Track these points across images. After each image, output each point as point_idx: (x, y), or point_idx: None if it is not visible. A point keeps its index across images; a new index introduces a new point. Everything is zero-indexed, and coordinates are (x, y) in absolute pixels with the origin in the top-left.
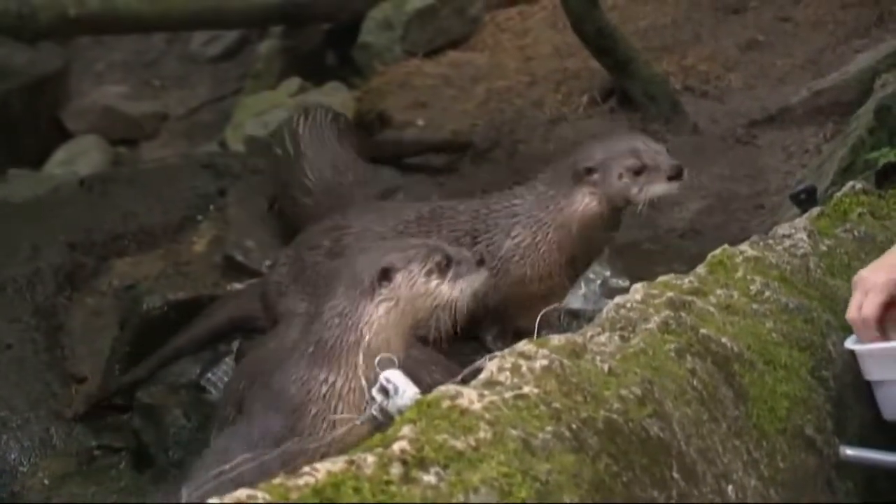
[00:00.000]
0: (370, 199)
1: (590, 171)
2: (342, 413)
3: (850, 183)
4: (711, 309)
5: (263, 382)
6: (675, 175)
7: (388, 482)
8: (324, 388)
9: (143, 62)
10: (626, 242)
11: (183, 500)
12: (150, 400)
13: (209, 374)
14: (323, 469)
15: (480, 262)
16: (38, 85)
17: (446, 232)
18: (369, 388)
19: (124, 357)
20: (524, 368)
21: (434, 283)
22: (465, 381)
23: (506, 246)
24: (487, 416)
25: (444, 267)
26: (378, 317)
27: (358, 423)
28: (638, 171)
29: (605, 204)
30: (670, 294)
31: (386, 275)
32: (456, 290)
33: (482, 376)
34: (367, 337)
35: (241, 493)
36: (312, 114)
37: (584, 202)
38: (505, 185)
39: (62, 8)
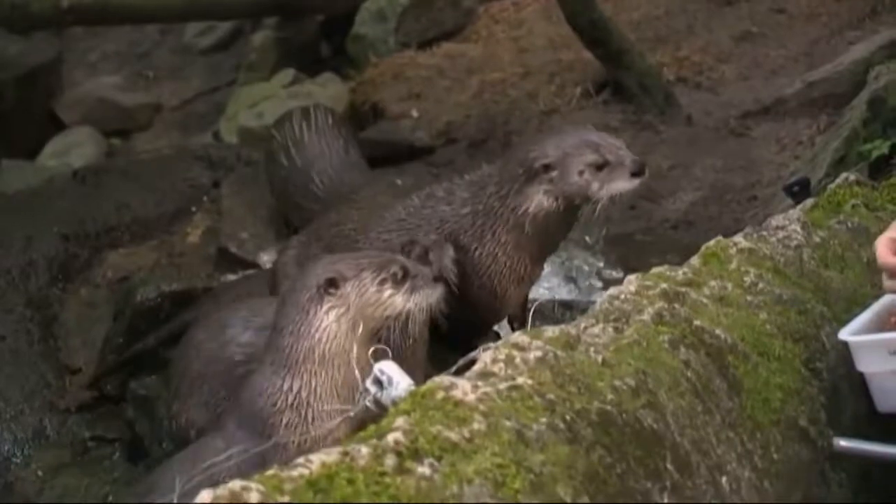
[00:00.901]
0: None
1: (547, 167)
2: (313, 421)
3: (844, 174)
4: (705, 300)
5: (235, 397)
6: (638, 171)
7: (382, 473)
8: (290, 398)
9: (136, 53)
10: (620, 234)
11: (175, 492)
12: (144, 391)
13: None
14: (317, 460)
15: (438, 279)
16: (32, 76)
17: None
18: (363, 381)
19: (118, 348)
20: (518, 360)
21: (387, 293)
22: (459, 373)
23: (466, 259)
24: (481, 407)
25: (401, 279)
26: (329, 323)
27: (351, 414)
28: (599, 167)
29: (561, 202)
30: (664, 285)
31: (332, 283)
32: (410, 302)
33: (476, 367)
34: (321, 344)
35: (235, 484)
36: (314, 116)
37: (538, 200)
38: None
39: None
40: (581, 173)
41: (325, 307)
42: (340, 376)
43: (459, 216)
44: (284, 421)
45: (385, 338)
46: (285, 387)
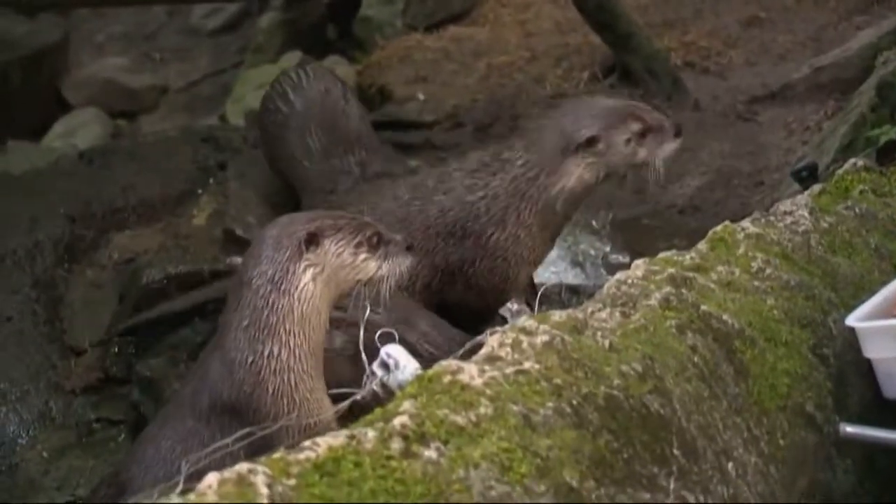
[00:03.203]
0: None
1: (592, 140)
2: (298, 385)
3: (852, 160)
4: (712, 285)
5: (201, 369)
6: (678, 131)
7: (388, 457)
8: (273, 364)
9: (143, 34)
10: (627, 218)
11: (182, 475)
12: (149, 373)
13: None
14: (324, 443)
15: (409, 248)
16: (38, 57)
17: (434, 227)
18: (369, 363)
19: (124, 330)
20: (525, 344)
21: (362, 256)
22: (466, 357)
23: (480, 252)
24: (488, 391)
25: (375, 243)
26: (306, 282)
27: (359, 397)
28: (643, 134)
29: (602, 174)
30: (671, 270)
31: (313, 239)
32: (383, 269)
33: (483, 351)
34: (299, 303)
35: (242, 466)
36: (312, 68)
37: (578, 174)
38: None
39: None
40: (628, 142)
41: (303, 265)
42: (316, 337)
43: (465, 203)
44: (271, 389)
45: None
46: (266, 352)
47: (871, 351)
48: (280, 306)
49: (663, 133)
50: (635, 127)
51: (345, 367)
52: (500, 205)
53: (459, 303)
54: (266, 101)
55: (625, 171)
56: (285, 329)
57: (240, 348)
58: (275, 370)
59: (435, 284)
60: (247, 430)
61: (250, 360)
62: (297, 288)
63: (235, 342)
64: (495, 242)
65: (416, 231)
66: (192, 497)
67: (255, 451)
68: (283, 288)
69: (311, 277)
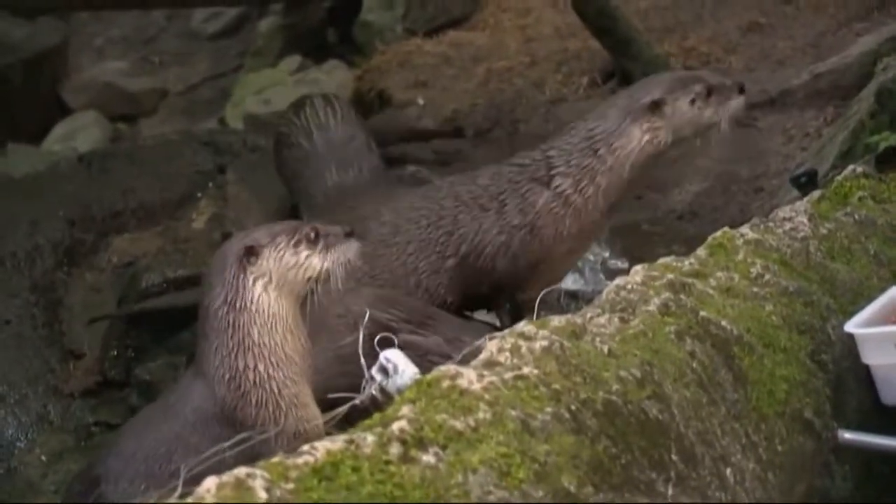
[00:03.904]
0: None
1: (657, 103)
2: (282, 391)
3: (851, 166)
4: (711, 291)
5: (185, 391)
6: (742, 88)
7: (387, 462)
8: (251, 376)
9: (142, 38)
10: (626, 223)
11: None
12: (147, 376)
13: None
14: (322, 448)
15: (349, 234)
16: (38, 60)
17: (467, 198)
18: (368, 368)
19: (122, 334)
20: (524, 349)
21: (304, 254)
22: (464, 361)
23: (542, 199)
24: (487, 396)
25: (314, 239)
26: (259, 294)
27: (357, 402)
28: (708, 94)
29: (669, 137)
30: (670, 276)
31: (251, 251)
32: (328, 261)
33: (482, 357)
34: (259, 316)
35: (241, 470)
36: (338, 105)
37: (646, 139)
38: None
39: None
40: (693, 102)
41: (250, 279)
42: (288, 342)
43: (524, 163)
44: (254, 401)
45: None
46: (242, 366)
47: (870, 357)
48: (241, 323)
49: (728, 90)
50: (698, 88)
51: None
52: (572, 161)
53: (496, 282)
54: (288, 132)
55: (693, 134)
56: (253, 342)
57: (217, 369)
58: (255, 382)
59: (486, 257)
60: (241, 435)
61: (228, 377)
62: (251, 301)
63: (211, 365)
64: (558, 195)
65: (463, 199)
66: (190, 500)
67: (244, 461)
68: (238, 305)
69: (262, 288)
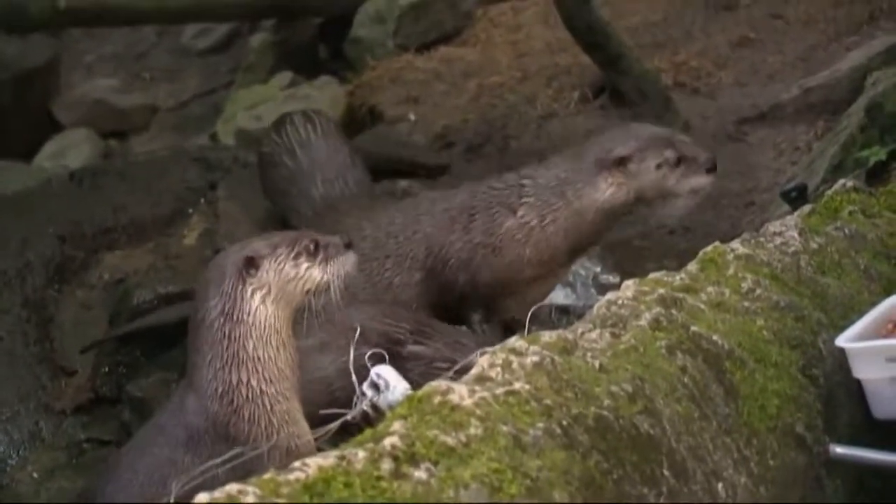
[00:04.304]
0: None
1: (624, 160)
2: (273, 407)
3: (841, 181)
4: (702, 306)
5: (177, 406)
6: (712, 167)
7: (378, 478)
8: (244, 391)
9: (133, 55)
10: (617, 238)
11: (172, 496)
12: (139, 393)
13: None
14: (313, 464)
15: (348, 245)
16: (29, 77)
17: (440, 213)
18: (360, 384)
19: (114, 350)
20: (515, 365)
21: (304, 266)
22: (456, 377)
23: (507, 224)
24: (478, 412)
25: (313, 250)
26: (257, 306)
27: (349, 418)
28: (676, 163)
29: (631, 195)
30: (661, 291)
31: (252, 263)
32: (327, 273)
33: (473, 372)
34: (255, 328)
35: (232, 487)
36: (318, 121)
37: (610, 191)
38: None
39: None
40: (658, 167)
41: (249, 290)
42: (280, 356)
43: (494, 190)
44: (246, 416)
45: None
46: (235, 381)
47: (861, 371)
48: (237, 335)
49: (698, 166)
50: (669, 154)
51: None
52: (542, 197)
53: (460, 295)
54: (271, 152)
55: (653, 196)
56: (248, 355)
57: (210, 382)
58: (247, 397)
59: (439, 267)
60: (234, 451)
61: (221, 391)
62: (248, 314)
63: (204, 378)
64: (521, 225)
65: (436, 213)
66: None
67: (236, 478)
68: (235, 317)
69: (260, 300)
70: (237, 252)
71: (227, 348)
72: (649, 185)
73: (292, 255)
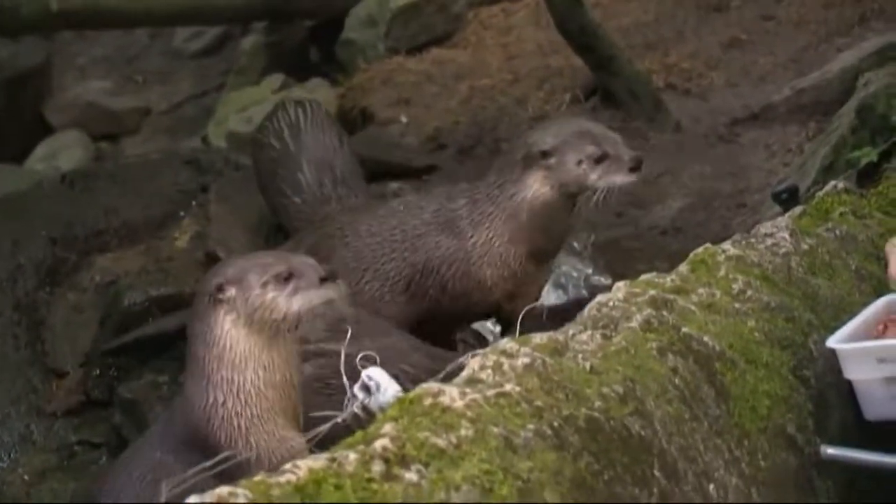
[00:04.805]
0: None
1: (545, 154)
2: (250, 429)
3: (832, 182)
4: (693, 308)
5: (171, 414)
6: (636, 166)
7: (369, 479)
8: (220, 412)
9: (125, 57)
10: (608, 239)
11: (162, 498)
12: (130, 395)
13: None
14: (304, 466)
15: (326, 279)
16: (20, 79)
17: (410, 228)
18: (351, 387)
19: (105, 353)
20: (506, 366)
21: (270, 295)
22: (446, 379)
23: (453, 250)
24: (469, 413)
25: (284, 280)
26: (227, 330)
27: (340, 420)
28: (598, 160)
29: (557, 190)
30: (652, 292)
31: (220, 288)
32: (294, 305)
33: (464, 374)
34: (227, 352)
35: (223, 489)
36: (310, 106)
37: (535, 187)
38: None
39: (44, 2)
40: (579, 163)
41: (221, 313)
42: (259, 379)
43: (449, 207)
44: (223, 437)
45: None
46: (210, 400)
47: (852, 372)
48: (210, 358)
49: (617, 164)
50: (590, 150)
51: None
52: (478, 209)
53: (432, 310)
54: (261, 135)
55: (576, 192)
56: (222, 377)
57: (194, 396)
58: (223, 418)
59: (413, 285)
60: (224, 454)
61: (200, 406)
62: (220, 338)
63: (190, 390)
64: (472, 246)
65: (407, 229)
66: None
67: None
68: (208, 340)
69: (230, 325)
70: (210, 276)
71: (202, 368)
72: (571, 180)
73: (260, 282)
